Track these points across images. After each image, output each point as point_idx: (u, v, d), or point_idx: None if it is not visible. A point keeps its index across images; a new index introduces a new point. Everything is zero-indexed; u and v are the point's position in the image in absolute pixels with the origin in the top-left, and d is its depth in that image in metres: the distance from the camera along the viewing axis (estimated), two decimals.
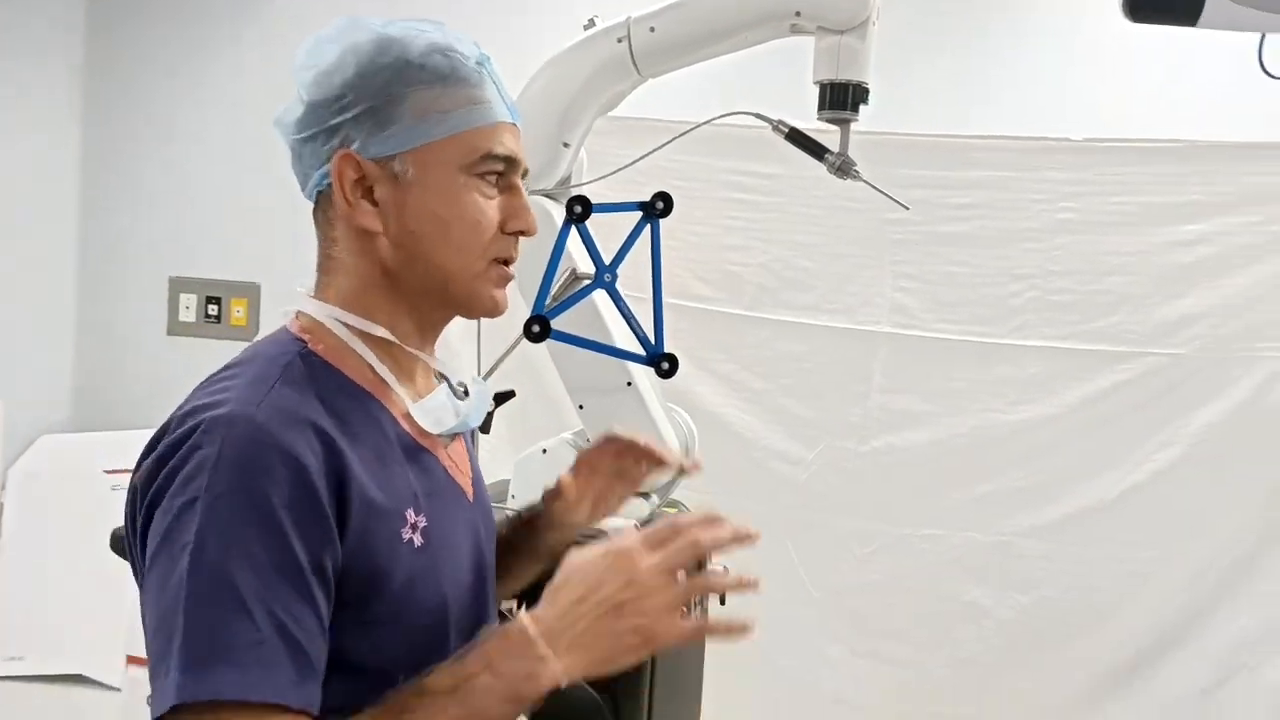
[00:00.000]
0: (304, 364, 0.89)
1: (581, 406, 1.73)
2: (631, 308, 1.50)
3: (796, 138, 1.67)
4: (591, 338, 1.55)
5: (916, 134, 2.34)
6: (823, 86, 1.62)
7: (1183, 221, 2.24)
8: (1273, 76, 1.63)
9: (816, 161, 1.67)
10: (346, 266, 0.95)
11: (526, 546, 1.15)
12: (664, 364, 1.52)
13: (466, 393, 1.03)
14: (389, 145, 0.91)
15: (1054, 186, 2.31)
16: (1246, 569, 2.27)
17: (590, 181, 1.80)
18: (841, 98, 1.59)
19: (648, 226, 1.49)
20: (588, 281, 1.52)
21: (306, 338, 0.93)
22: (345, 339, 0.93)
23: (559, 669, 0.82)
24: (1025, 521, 2.34)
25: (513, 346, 1.64)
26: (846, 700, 2.42)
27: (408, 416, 0.95)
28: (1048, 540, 2.32)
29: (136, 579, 0.85)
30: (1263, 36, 1.57)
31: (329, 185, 0.93)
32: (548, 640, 0.82)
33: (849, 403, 2.45)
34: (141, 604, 0.82)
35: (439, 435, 0.98)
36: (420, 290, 0.95)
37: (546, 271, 1.47)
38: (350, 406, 0.90)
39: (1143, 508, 2.28)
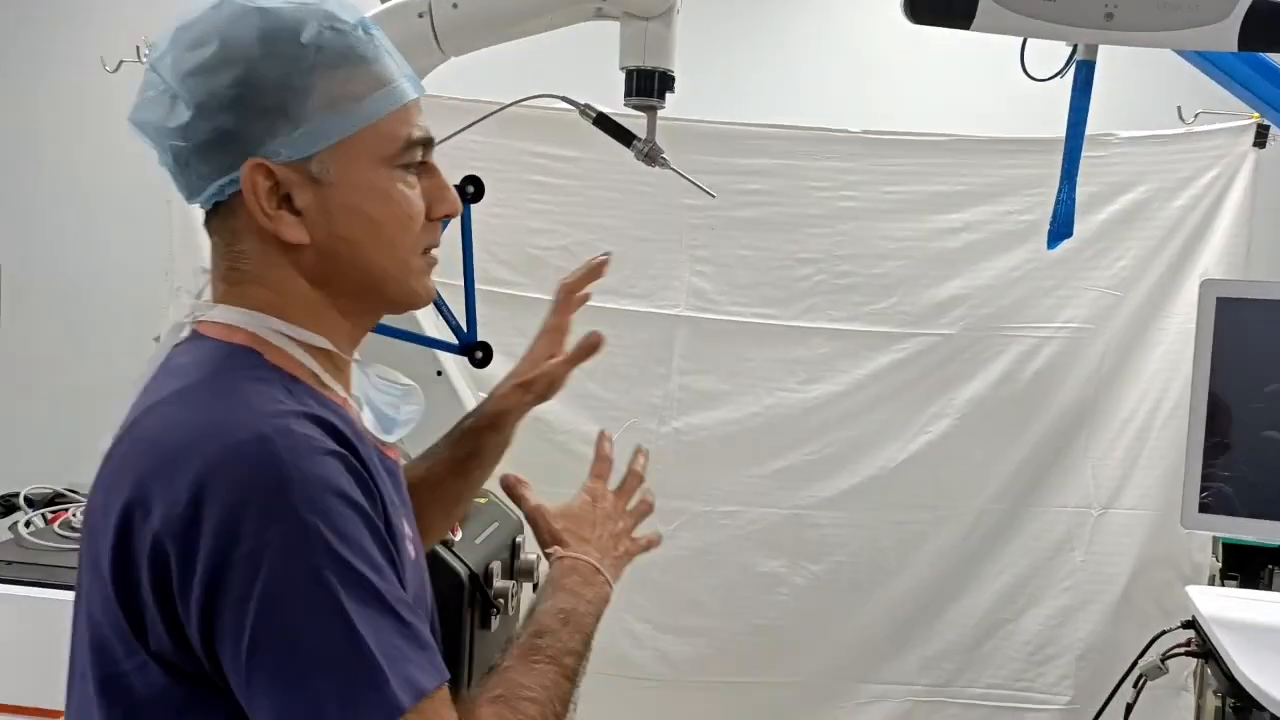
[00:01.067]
0: (271, 373, 0.82)
1: None
2: (442, 295, 1.47)
3: (604, 123, 1.67)
4: (400, 326, 1.50)
5: (711, 121, 2.41)
6: (629, 73, 1.62)
7: (950, 210, 2.43)
8: (1033, 78, 1.79)
9: (623, 147, 1.68)
10: (262, 278, 0.85)
11: (468, 457, 1.16)
12: (478, 353, 1.50)
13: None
14: (301, 146, 0.82)
15: (836, 175, 2.45)
16: (1005, 529, 2.50)
17: None
18: (648, 85, 1.60)
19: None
20: None
21: (257, 349, 0.83)
22: (289, 351, 0.85)
23: (612, 586, 1.03)
24: (817, 494, 2.47)
25: None
26: (651, 675, 2.48)
27: (365, 429, 0.88)
28: (838, 510, 2.47)
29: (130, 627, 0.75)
30: (1024, 41, 1.72)
31: (232, 195, 0.83)
32: (604, 568, 1.03)
33: (650, 385, 2.50)
34: (242, 636, 0.71)
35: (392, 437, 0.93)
36: (353, 294, 0.88)
37: None
38: (340, 420, 0.82)
39: (920, 474, 2.47)
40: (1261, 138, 2.37)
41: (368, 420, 0.89)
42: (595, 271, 1.26)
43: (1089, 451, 2.50)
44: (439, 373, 1.65)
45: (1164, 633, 1.74)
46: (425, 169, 0.90)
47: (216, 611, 0.71)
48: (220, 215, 0.86)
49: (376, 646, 0.72)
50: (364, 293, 0.89)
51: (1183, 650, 1.71)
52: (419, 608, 0.83)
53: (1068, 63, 1.74)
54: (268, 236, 0.84)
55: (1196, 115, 2.37)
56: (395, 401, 0.96)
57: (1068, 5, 1.53)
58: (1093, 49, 1.70)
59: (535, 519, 1.07)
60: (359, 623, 0.71)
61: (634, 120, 1.68)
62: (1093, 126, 2.11)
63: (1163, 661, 1.69)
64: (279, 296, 0.85)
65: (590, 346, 1.23)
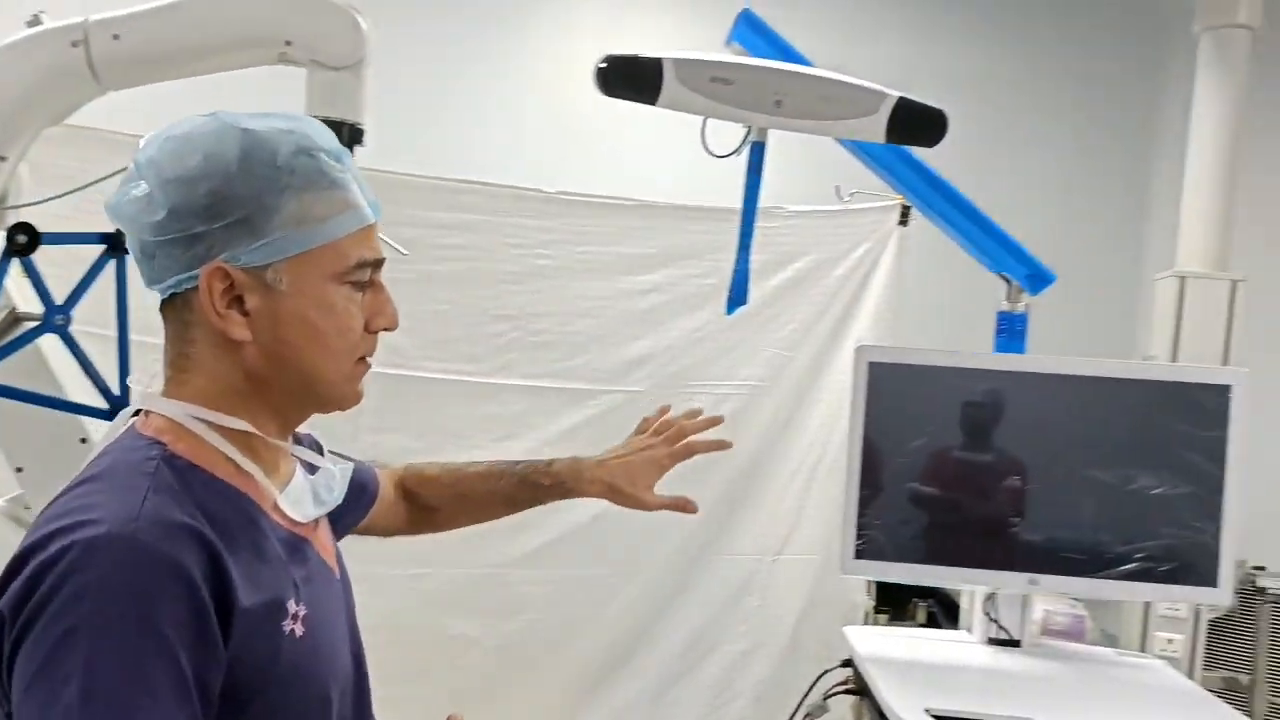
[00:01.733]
0: (169, 468, 0.86)
1: (20, 469, 1.46)
2: (93, 350, 1.31)
3: None
4: (36, 390, 1.32)
5: (410, 174, 2.37)
6: None
7: (640, 271, 2.53)
8: (711, 154, 1.91)
9: None
10: (206, 369, 0.92)
11: (521, 498, 1.38)
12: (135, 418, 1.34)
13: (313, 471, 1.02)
14: (261, 255, 0.89)
15: (531, 234, 2.48)
16: (689, 578, 2.61)
17: (35, 203, 1.53)
18: (337, 137, 1.53)
19: (112, 261, 1.31)
20: (34, 324, 1.30)
21: (165, 439, 0.89)
22: (204, 435, 0.90)
23: None
24: (508, 552, 2.45)
25: None
26: None
27: (276, 508, 0.94)
28: (529, 567, 2.46)
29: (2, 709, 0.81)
30: (705, 120, 1.83)
31: (189, 289, 0.89)
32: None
33: (336, 444, 2.37)
34: None
35: (308, 518, 0.97)
36: (286, 392, 0.95)
37: None
38: (224, 508, 0.88)
39: (608, 529, 2.51)
40: (905, 216, 2.67)
41: (288, 500, 0.95)
42: (711, 422, 1.42)
43: (763, 502, 2.67)
44: (83, 440, 1.47)
45: (826, 672, 1.86)
46: (371, 284, 0.96)
47: (11, 682, 0.79)
48: (174, 306, 0.92)
49: None
50: (297, 391, 0.95)
51: (841, 689, 1.84)
52: (307, 684, 0.90)
53: (743, 142, 1.87)
54: (215, 331, 0.90)
55: (852, 194, 2.63)
56: (329, 484, 1.02)
57: (742, 91, 1.64)
58: (764, 131, 1.84)
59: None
60: None
61: None
62: (767, 199, 2.29)
63: (825, 700, 1.81)
64: (214, 385, 0.92)
65: (681, 507, 1.39)
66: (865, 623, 2.73)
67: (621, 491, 1.37)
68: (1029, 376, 1.89)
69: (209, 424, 0.90)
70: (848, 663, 1.90)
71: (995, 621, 1.97)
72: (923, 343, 2.80)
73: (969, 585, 2.09)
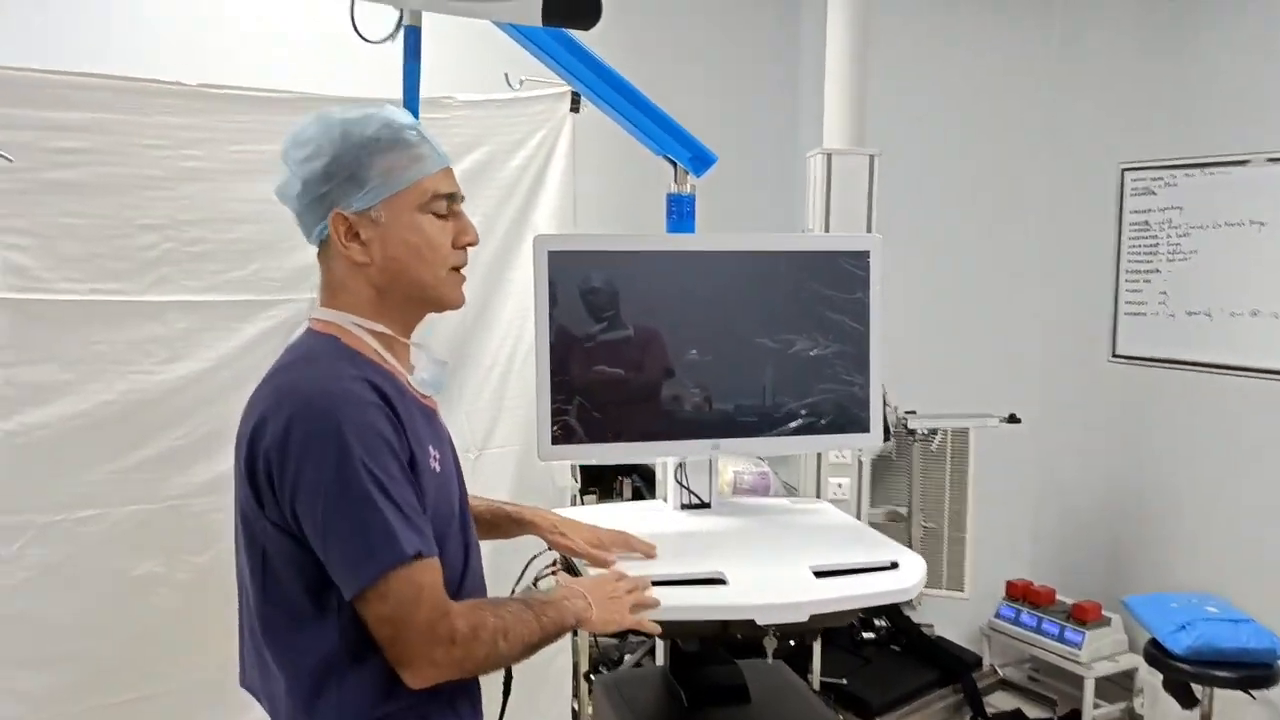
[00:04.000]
0: (346, 351, 1.35)
1: None
2: None
3: None
4: None
5: (5, 67, 2.04)
6: None
7: None
8: (365, 39, 1.80)
9: None
10: (348, 288, 1.39)
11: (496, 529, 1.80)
12: None
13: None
14: (365, 200, 1.35)
15: (174, 133, 2.23)
16: None
17: None
18: None
19: None
20: None
21: (336, 334, 1.37)
22: (360, 335, 1.37)
23: (595, 616, 1.45)
24: (193, 479, 2.28)
25: None
26: (9, 717, 2.12)
27: (409, 385, 1.39)
28: (219, 493, 2.29)
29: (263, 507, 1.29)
30: (352, 3, 1.71)
31: (328, 234, 1.37)
32: (593, 600, 1.47)
33: None
34: (312, 510, 1.24)
35: (426, 393, 1.43)
36: (403, 298, 1.40)
37: None
38: (384, 381, 1.32)
39: None
40: (576, 103, 2.67)
41: (416, 381, 1.41)
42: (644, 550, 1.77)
43: (462, 398, 2.65)
44: None
45: (535, 557, 1.91)
46: (452, 213, 1.41)
47: (297, 498, 1.24)
48: (322, 249, 1.41)
49: (392, 520, 1.23)
50: (411, 297, 1.41)
51: (550, 570, 1.90)
52: (441, 505, 1.36)
53: (396, 27, 1.77)
54: (346, 259, 1.37)
55: (522, 81, 2.60)
56: (437, 370, 1.44)
57: None
58: (417, 15, 1.75)
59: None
60: (381, 505, 1.22)
61: None
62: (433, 90, 2.21)
63: (536, 582, 1.86)
64: (355, 300, 1.39)
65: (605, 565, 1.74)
66: (573, 505, 2.83)
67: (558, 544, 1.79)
68: (697, 255, 1.98)
69: (360, 326, 1.37)
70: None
71: (686, 488, 2.09)
72: (602, 229, 2.87)
73: (659, 457, 2.21)
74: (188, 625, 2.28)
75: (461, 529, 1.43)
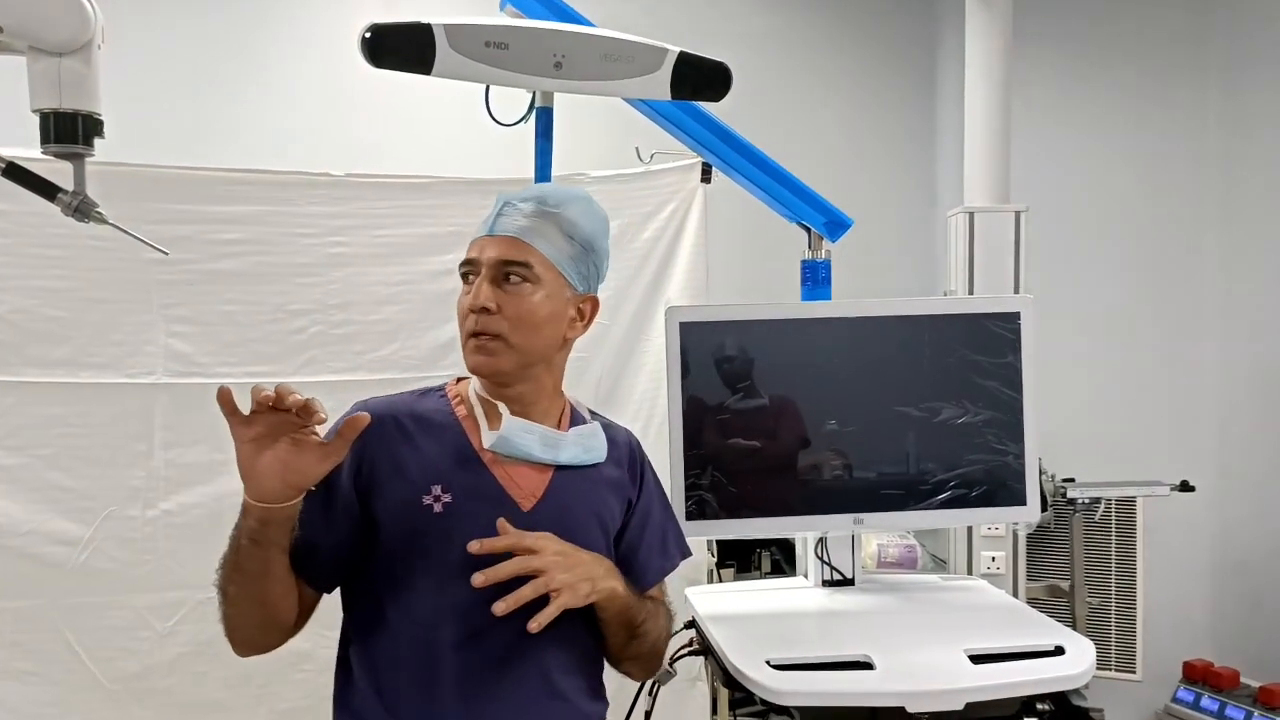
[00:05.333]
0: (431, 393, 1.44)
1: None
2: None
3: (18, 174, 1.42)
4: None
5: (177, 167, 2.18)
6: (44, 116, 1.39)
7: (441, 251, 2.42)
8: (498, 122, 1.83)
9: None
10: None
11: None
12: None
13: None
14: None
15: (322, 221, 2.33)
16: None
17: None
18: (69, 130, 1.38)
19: None
20: None
21: (451, 385, 1.46)
22: (471, 383, 1.43)
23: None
24: None
25: None
26: None
27: (472, 434, 1.38)
28: None
29: None
30: (487, 87, 1.75)
31: None
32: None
33: (129, 465, 2.19)
34: None
35: (496, 452, 1.36)
36: None
37: None
38: (435, 418, 1.38)
39: None
40: (707, 174, 2.67)
41: (484, 435, 1.36)
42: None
43: None
44: None
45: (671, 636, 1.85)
46: (472, 280, 1.38)
47: None
48: None
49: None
50: None
51: (687, 651, 1.84)
52: (411, 541, 1.30)
53: (529, 109, 1.81)
54: None
55: (652, 155, 2.61)
56: (515, 437, 1.36)
57: (520, 55, 1.58)
58: (549, 96, 1.78)
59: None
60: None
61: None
62: (566, 167, 2.24)
63: (671, 665, 1.80)
64: None
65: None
66: (710, 580, 2.75)
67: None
68: (836, 322, 1.92)
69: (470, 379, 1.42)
70: (691, 624, 1.90)
71: (828, 564, 2.01)
72: (737, 298, 2.83)
73: (798, 532, 2.13)
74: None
75: (443, 581, 1.28)
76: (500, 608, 1.20)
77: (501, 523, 1.27)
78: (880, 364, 1.91)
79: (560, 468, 1.39)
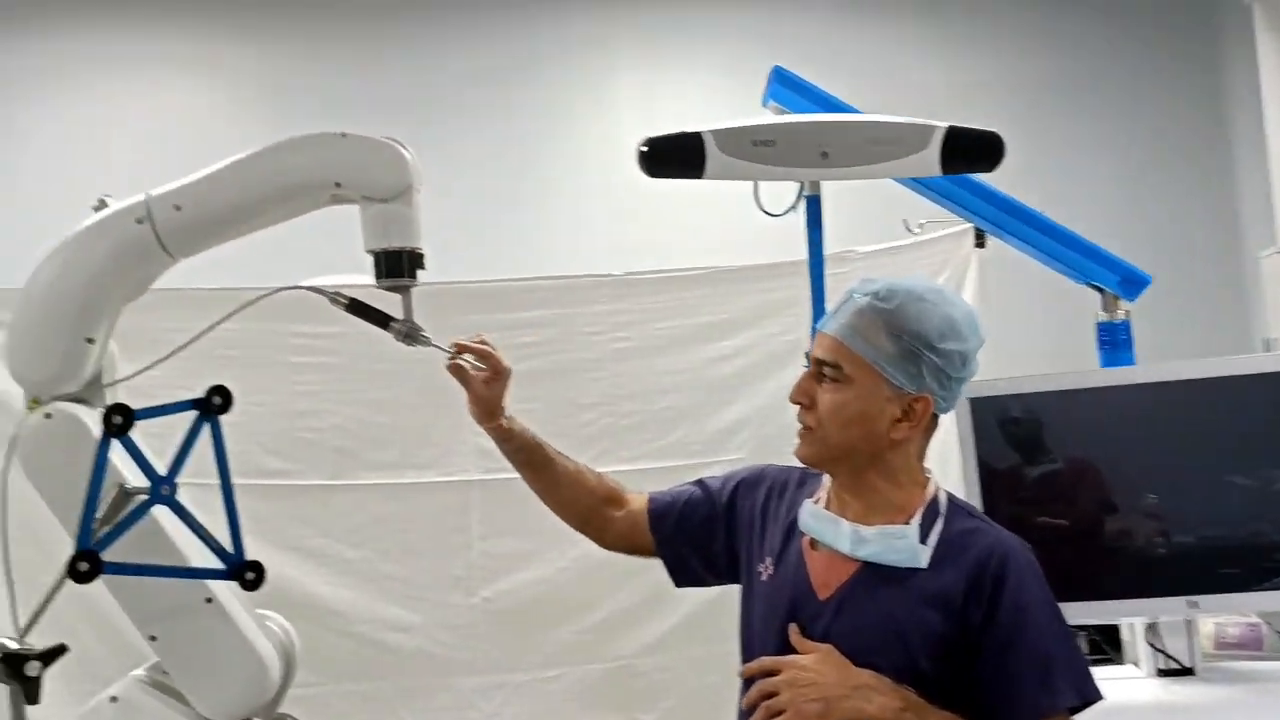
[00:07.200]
0: (792, 469, 1.50)
1: (154, 637, 1.49)
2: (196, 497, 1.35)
3: (358, 309, 1.62)
4: (156, 562, 1.35)
5: (477, 281, 2.41)
6: (376, 255, 1.58)
7: (719, 339, 2.50)
8: (767, 213, 1.89)
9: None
10: None
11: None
12: (248, 574, 1.37)
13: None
14: None
15: (606, 318, 2.48)
16: None
17: (129, 377, 1.60)
18: (397, 266, 1.56)
19: (206, 424, 1.35)
20: (143, 497, 1.34)
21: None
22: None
23: None
24: (639, 640, 2.41)
25: (55, 588, 1.37)
26: None
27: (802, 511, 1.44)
28: (661, 653, 2.41)
29: None
30: (756, 183, 1.82)
31: None
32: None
33: (450, 555, 2.40)
34: None
35: (808, 534, 1.41)
36: None
37: (88, 495, 1.27)
38: (793, 485, 1.49)
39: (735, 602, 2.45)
40: (981, 239, 2.59)
41: (802, 512, 1.42)
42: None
43: None
44: (208, 599, 1.49)
45: None
46: None
47: None
48: None
49: None
50: None
51: None
52: (755, 607, 1.43)
53: (797, 199, 1.85)
54: None
55: (921, 225, 2.58)
56: (812, 518, 1.41)
57: (786, 150, 1.63)
58: (816, 185, 1.82)
59: None
60: None
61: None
62: (835, 244, 2.26)
63: None
64: None
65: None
66: None
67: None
68: (1144, 388, 1.79)
69: None
70: None
71: (1162, 651, 1.84)
72: (1021, 365, 2.71)
73: (1125, 618, 1.96)
74: None
75: (750, 646, 1.43)
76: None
77: (792, 628, 1.33)
78: (1201, 431, 1.76)
79: (869, 565, 1.34)
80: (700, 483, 1.60)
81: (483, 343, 1.64)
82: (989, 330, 2.57)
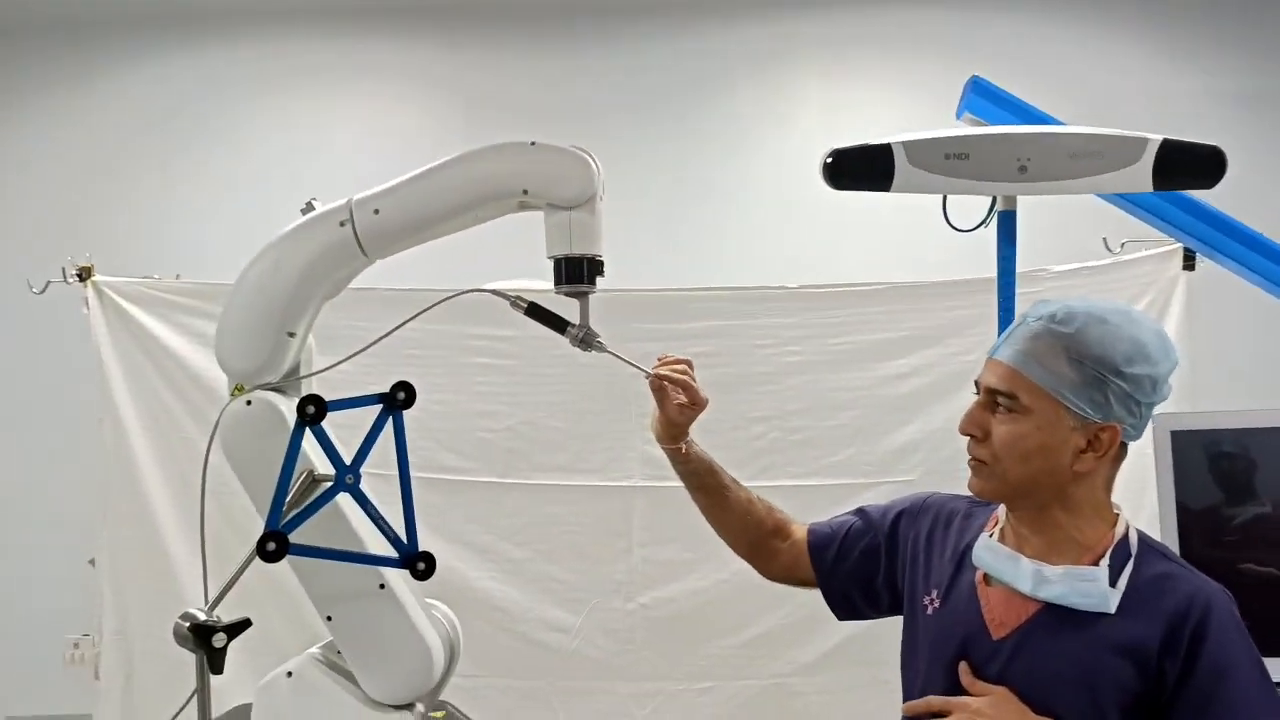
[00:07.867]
0: (973, 501, 1.41)
1: (330, 618, 1.56)
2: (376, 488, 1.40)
3: (536, 313, 1.64)
4: (336, 546, 1.42)
5: (650, 290, 2.41)
6: (557, 261, 1.61)
7: (896, 356, 2.42)
8: (955, 228, 1.81)
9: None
10: None
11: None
12: (420, 564, 1.41)
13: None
14: None
15: (778, 331, 2.44)
16: None
17: (323, 370, 1.68)
18: (577, 272, 1.58)
19: (390, 418, 1.40)
20: (328, 484, 1.40)
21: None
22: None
23: None
24: (796, 659, 2.36)
25: (245, 566, 1.46)
26: None
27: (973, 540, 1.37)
28: (819, 674, 2.35)
29: None
30: (945, 196, 1.75)
31: None
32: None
33: (612, 560, 2.41)
34: None
35: (981, 570, 1.33)
36: None
37: (281, 478, 1.33)
38: (961, 516, 1.41)
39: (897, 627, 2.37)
40: (1190, 261, 2.40)
41: (977, 547, 1.33)
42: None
43: None
44: (381, 586, 1.55)
45: None
46: None
47: None
48: None
49: None
50: None
51: None
52: (916, 636, 1.37)
53: (989, 214, 1.76)
54: None
55: (1123, 244, 2.42)
56: (986, 552, 1.33)
57: (981, 163, 1.56)
58: (1011, 199, 1.73)
59: None
60: None
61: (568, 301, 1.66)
62: (1026, 262, 2.14)
63: None
64: None
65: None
66: None
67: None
68: None
69: None
70: None
71: None
72: (1231, 398, 2.50)
73: None
74: None
75: (914, 680, 1.38)
76: None
77: (962, 667, 1.27)
78: None
79: (1051, 607, 1.26)
80: (861, 511, 1.53)
81: (685, 372, 1.62)
82: (1195, 359, 2.41)
